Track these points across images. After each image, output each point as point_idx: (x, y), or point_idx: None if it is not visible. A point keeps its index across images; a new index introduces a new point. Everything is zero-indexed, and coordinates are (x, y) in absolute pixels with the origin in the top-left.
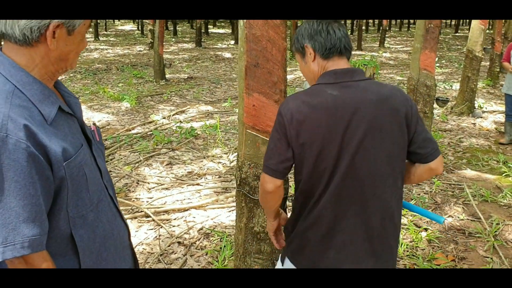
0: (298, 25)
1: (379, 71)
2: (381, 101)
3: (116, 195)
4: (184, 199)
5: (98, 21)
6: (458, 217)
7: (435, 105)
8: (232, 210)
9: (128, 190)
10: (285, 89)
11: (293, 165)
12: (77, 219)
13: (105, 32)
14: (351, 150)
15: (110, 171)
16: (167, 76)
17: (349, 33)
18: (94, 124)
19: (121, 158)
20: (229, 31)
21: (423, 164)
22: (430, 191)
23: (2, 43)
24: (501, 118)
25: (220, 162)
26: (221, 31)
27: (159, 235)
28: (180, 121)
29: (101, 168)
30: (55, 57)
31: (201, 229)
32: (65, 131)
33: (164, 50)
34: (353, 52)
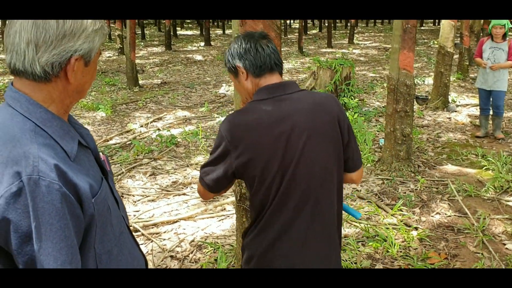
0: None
1: (354, 71)
2: (316, 108)
3: None
4: (172, 211)
5: None
6: (446, 214)
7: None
8: (223, 219)
9: None
10: None
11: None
12: (103, 255)
13: None
14: (294, 160)
15: None
16: (140, 82)
17: (317, 31)
18: (103, 153)
19: None
20: (198, 32)
21: (345, 173)
22: (416, 189)
23: (13, 79)
24: (475, 111)
25: None
26: (189, 32)
27: (151, 250)
28: (159, 129)
29: (117, 199)
30: (73, 90)
31: (193, 241)
32: (86, 165)
33: (136, 54)
34: (324, 50)
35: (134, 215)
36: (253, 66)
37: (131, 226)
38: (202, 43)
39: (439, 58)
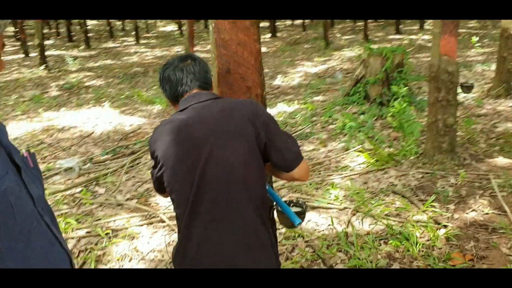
0: None
1: (409, 57)
2: (225, 113)
3: (135, 201)
4: None
5: (140, 24)
6: (482, 211)
7: (461, 92)
8: None
9: (149, 195)
10: (262, 93)
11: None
12: (3, 250)
13: (147, 35)
14: (202, 164)
15: (133, 176)
16: None
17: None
18: (27, 150)
19: (146, 163)
20: (267, 24)
21: (286, 173)
22: (455, 184)
23: None
24: None
25: None
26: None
27: (172, 241)
28: None
29: (33, 195)
30: None
31: None
32: None
33: (201, 49)
34: (392, 36)
35: (166, 207)
36: (171, 96)
37: (157, 217)
38: (269, 35)
39: (501, 42)
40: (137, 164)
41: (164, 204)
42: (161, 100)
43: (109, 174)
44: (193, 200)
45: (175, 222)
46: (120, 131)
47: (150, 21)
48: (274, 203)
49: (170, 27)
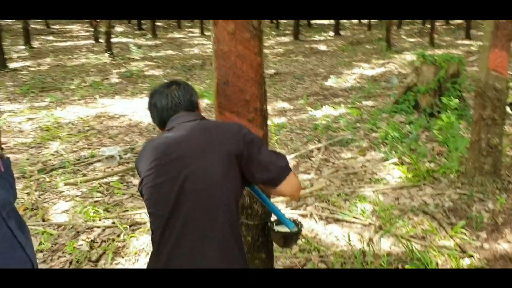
0: None
1: (464, 68)
2: (208, 131)
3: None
4: None
5: None
6: None
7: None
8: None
9: None
10: (261, 107)
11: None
12: None
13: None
14: (180, 181)
15: None
16: None
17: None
18: (0, 156)
19: None
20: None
21: (273, 189)
22: (493, 209)
23: None
24: None
25: None
26: (325, 22)
27: None
28: None
29: None
30: None
31: None
32: None
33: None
34: (460, 42)
35: None
36: (158, 123)
37: None
38: (332, 33)
39: None
40: None
41: None
42: (209, 95)
43: None
44: (168, 216)
45: None
46: None
47: None
48: (269, 222)
49: None
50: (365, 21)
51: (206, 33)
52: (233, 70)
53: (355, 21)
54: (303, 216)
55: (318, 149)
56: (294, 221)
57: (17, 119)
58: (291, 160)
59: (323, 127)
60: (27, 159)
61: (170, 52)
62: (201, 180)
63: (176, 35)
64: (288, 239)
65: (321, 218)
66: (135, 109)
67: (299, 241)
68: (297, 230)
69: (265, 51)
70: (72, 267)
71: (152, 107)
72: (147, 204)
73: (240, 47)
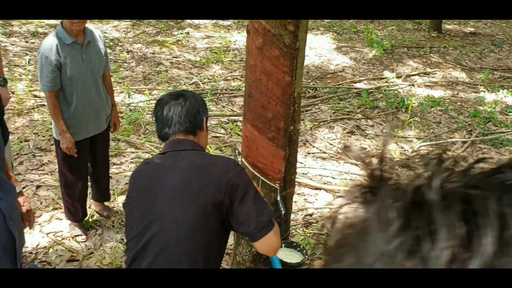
0: None
1: None
2: (192, 170)
3: None
4: (328, 177)
5: None
6: None
7: None
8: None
9: None
10: (285, 127)
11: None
12: None
13: None
14: (153, 218)
15: None
16: (448, 26)
17: None
18: None
19: (315, 113)
20: None
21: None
22: None
23: None
24: None
25: (403, 147)
26: None
27: None
28: (413, 85)
29: None
30: None
31: (312, 214)
32: None
33: None
34: None
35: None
36: (159, 135)
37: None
38: None
39: None
40: (308, 110)
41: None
42: (378, 46)
43: None
44: (138, 250)
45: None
46: (323, 68)
47: None
48: None
49: None
50: None
51: None
52: (256, 85)
53: None
54: None
55: (464, 142)
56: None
57: (197, 34)
58: (424, 148)
59: (484, 116)
60: (186, 77)
61: None
62: (169, 230)
63: None
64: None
65: None
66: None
67: None
68: (301, 261)
69: None
70: None
71: (155, 117)
72: (126, 226)
73: (266, 63)
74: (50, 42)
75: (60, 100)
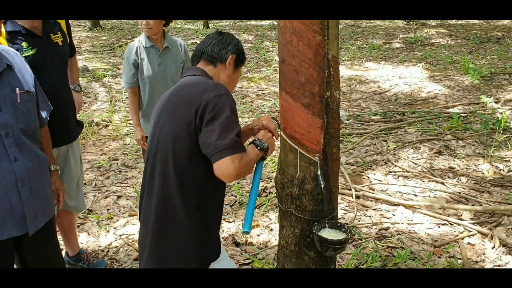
0: None
1: None
2: (176, 89)
3: (352, 168)
4: (409, 194)
5: None
6: None
7: None
8: (442, 224)
9: (370, 167)
10: (321, 92)
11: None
12: None
13: None
14: (151, 137)
15: (374, 143)
16: None
17: None
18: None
19: (400, 135)
20: None
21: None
22: None
23: None
24: None
25: (498, 167)
26: None
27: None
28: None
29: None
30: None
31: (387, 229)
32: None
33: None
34: None
35: (372, 183)
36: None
37: (351, 189)
38: None
39: None
40: (392, 133)
41: (374, 180)
42: (474, 73)
43: (353, 135)
44: (145, 168)
45: (365, 202)
46: (413, 95)
47: None
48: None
49: None
50: None
51: None
52: (287, 48)
53: None
54: (483, 235)
55: None
56: (342, 225)
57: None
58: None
59: None
60: (270, 107)
61: (473, 20)
62: (158, 141)
63: None
64: (328, 247)
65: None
66: (391, 77)
67: None
68: (343, 238)
69: None
70: None
71: None
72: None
73: (296, 22)
74: (132, 45)
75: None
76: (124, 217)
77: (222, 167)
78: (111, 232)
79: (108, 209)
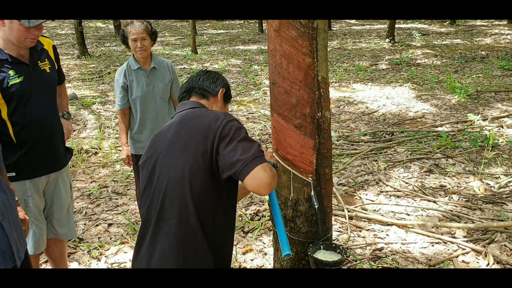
0: None
1: None
2: (183, 122)
3: (344, 188)
4: (402, 213)
5: None
6: None
7: None
8: (435, 243)
9: (362, 187)
10: (312, 113)
11: None
12: None
13: None
14: (152, 173)
15: (365, 163)
16: None
17: None
18: None
19: (390, 154)
20: None
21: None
22: None
23: None
24: None
25: (489, 184)
26: None
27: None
28: (501, 126)
29: None
30: None
31: (381, 249)
32: None
33: None
34: None
35: (365, 203)
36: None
37: (344, 210)
38: None
39: None
40: (382, 152)
41: (367, 201)
42: (461, 91)
43: (344, 156)
44: (147, 203)
45: (359, 223)
46: (401, 115)
47: None
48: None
49: None
50: None
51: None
52: (278, 70)
53: None
54: (477, 252)
55: None
56: (338, 246)
57: None
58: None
59: None
60: (260, 129)
61: (458, 41)
62: (164, 178)
63: (478, 22)
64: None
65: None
66: (378, 98)
67: None
68: (338, 260)
69: None
70: None
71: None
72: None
73: (285, 45)
74: (121, 68)
75: (131, 117)
76: (115, 245)
77: (257, 176)
78: (103, 260)
79: (99, 237)
